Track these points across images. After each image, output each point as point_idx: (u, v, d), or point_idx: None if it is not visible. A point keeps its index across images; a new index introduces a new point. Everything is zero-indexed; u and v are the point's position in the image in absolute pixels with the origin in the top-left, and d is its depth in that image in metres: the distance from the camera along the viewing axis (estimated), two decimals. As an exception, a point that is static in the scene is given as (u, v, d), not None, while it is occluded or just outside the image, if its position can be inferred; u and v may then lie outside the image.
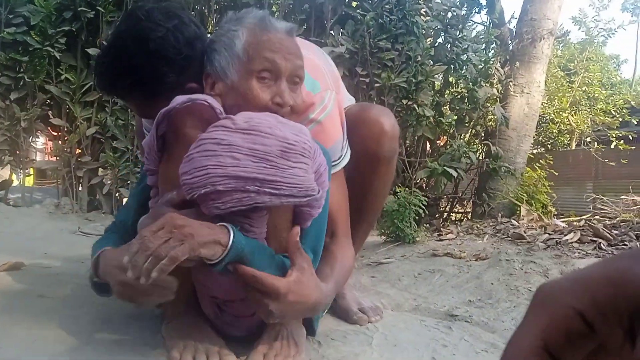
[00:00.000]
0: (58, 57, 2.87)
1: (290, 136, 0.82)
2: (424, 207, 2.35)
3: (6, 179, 3.21)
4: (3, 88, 2.94)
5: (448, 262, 1.96)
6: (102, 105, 2.97)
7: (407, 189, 2.62)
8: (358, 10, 2.80)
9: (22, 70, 2.89)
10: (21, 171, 3.08)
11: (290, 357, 0.99)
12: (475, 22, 3.30)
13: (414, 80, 2.79)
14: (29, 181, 3.48)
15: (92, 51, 2.82)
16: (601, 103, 7.22)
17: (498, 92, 3.13)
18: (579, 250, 2.00)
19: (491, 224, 2.63)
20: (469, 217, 3.11)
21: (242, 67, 0.96)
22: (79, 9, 2.81)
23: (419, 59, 2.80)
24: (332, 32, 2.87)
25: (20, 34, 2.81)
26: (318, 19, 2.98)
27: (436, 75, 2.90)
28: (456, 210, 3.27)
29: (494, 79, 3.14)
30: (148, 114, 1.14)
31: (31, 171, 3.47)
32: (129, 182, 2.95)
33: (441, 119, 2.85)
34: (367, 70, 2.83)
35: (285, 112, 0.94)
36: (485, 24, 3.29)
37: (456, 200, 3.21)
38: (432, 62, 2.90)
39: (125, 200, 2.97)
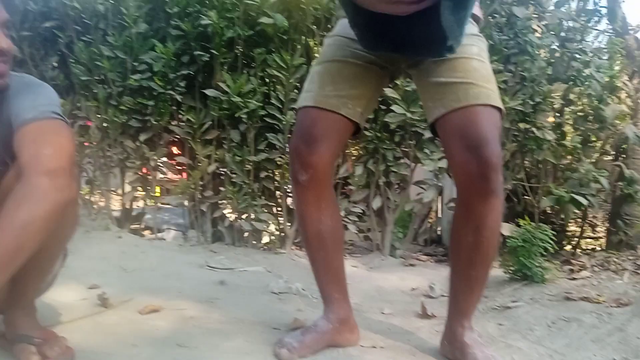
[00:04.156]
0: (179, 100, 3.08)
1: None
2: (552, 242, 2.21)
3: (140, 211, 3.50)
4: (133, 130, 3.20)
5: (585, 308, 1.83)
6: (221, 143, 3.13)
7: (531, 221, 2.47)
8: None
9: (148, 113, 3.13)
10: (152, 204, 3.34)
11: None
12: (596, 30, 3.04)
13: (530, 102, 2.64)
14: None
15: (209, 92, 2.99)
16: None
17: (628, 108, 2.87)
18: None
19: (630, 257, 2.42)
20: (603, 247, 2.89)
21: None
22: (195, 53, 2.98)
23: (535, 79, 2.65)
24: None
25: (145, 80, 3.04)
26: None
27: (555, 95, 2.73)
28: (587, 236, 3.05)
29: (622, 94, 2.89)
30: None
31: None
32: (246, 214, 3.09)
33: (564, 142, 2.67)
34: (480, 93, 2.72)
35: None
36: (607, 33, 3.04)
37: (587, 225, 2.98)
38: (549, 81, 2.73)
39: (244, 231, 3.13)
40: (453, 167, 1.37)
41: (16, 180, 1.15)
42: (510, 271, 2.27)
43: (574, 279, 2.23)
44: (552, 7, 2.92)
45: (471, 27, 1.41)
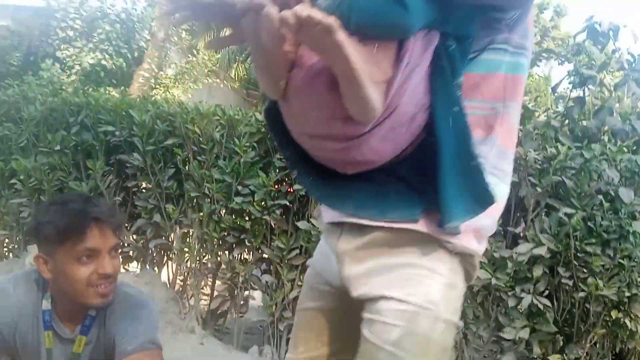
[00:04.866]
0: (273, 225, 3.28)
1: None
2: None
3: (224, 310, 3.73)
4: (228, 245, 3.44)
5: None
6: (305, 269, 3.26)
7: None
8: (565, 210, 2.63)
9: (244, 232, 3.36)
10: (235, 315, 3.54)
11: None
12: None
13: (626, 293, 2.51)
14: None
15: (301, 224, 3.16)
16: None
17: None
18: None
19: None
20: None
21: None
22: (294, 187, 3.18)
23: (635, 267, 2.52)
24: (533, 223, 2.75)
25: (245, 204, 3.28)
26: (518, 206, 2.90)
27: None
28: None
29: None
30: None
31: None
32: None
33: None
34: (571, 272, 2.63)
35: None
36: None
37: None
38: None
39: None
40: None
41: None
42: None
43: None
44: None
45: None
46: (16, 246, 4.23)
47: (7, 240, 4.32)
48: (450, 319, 1.05)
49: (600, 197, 2.62)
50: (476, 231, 1.07)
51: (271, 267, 3.43)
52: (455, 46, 0.98)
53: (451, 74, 0.98)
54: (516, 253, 2.68)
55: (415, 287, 1.03)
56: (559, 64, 15.59)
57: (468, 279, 1.12)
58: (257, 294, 3.65)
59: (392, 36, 0.92)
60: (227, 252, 3.48)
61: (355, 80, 0.87)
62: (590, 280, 2.57)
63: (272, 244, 3.33)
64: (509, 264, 2.73)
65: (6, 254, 4.38)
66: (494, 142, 1.06)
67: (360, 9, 0.88)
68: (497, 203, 1.06)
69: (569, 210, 2.61)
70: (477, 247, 1.08)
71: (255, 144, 3.38)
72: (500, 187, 1.08)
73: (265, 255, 3.43)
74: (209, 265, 3.55)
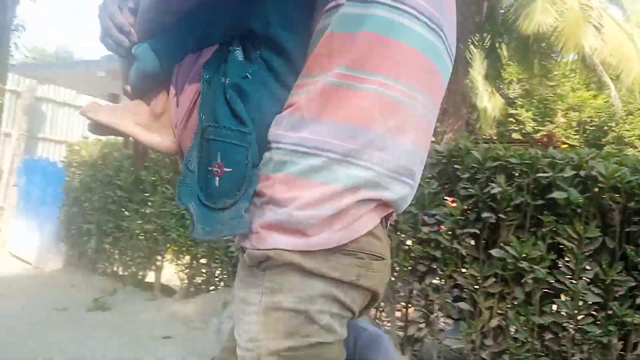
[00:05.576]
0: (464, 254, 3.27)
1: None
2: None
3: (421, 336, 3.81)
4: (420, 273, 3.51)
5: None
6: (504, 297, 3.20)
7: None
8: None
9: (434, 261, 3.40)
10: (433, 341, 3.59)
11: None
12: None
13: None
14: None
15: (494, 252, 3.10)
16: None
17: None
18: None
19: None
20: None
21: None
22: (482, 215, 3.13)
23: None
24: None
25: (433, 233, 3.32)
26: None
27: None
28: None
29: None
30: None
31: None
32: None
33: None
34: None
35: None
36: None
37: None
38: None
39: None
40: None
41: None
42: None
43: None
44: None
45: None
46: (226, 276, 4.79)
47: (218, 271, 4.91)
48: (279, 348, 0.89)
49: None
50: (279, 226, 0.89)
51: (464, 294, 3.42)
52: (236, 47, 0.97)
53: (225, 75, 0.95)
54: None
55: (240, 327, 0.94)
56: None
57: (317, 280, 0.90)
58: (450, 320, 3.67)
59: (146, 82, 1.02)
60: (418, 280, 3.54)
61: (127, 134, 1.03)
62: None
63: (464, 271, 3.32)
64: None
65: (218, 283, 4.98)
66: (305, 122, 0.92)
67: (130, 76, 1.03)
68: (323, 187, 0.89)
69: None
70: (292, 242, 0.88)
71: (436, 174, 3.40)
72: (325, 172, 0.90)
73: (458, 283, 3.43)
74: (402, 293, 3.65)
